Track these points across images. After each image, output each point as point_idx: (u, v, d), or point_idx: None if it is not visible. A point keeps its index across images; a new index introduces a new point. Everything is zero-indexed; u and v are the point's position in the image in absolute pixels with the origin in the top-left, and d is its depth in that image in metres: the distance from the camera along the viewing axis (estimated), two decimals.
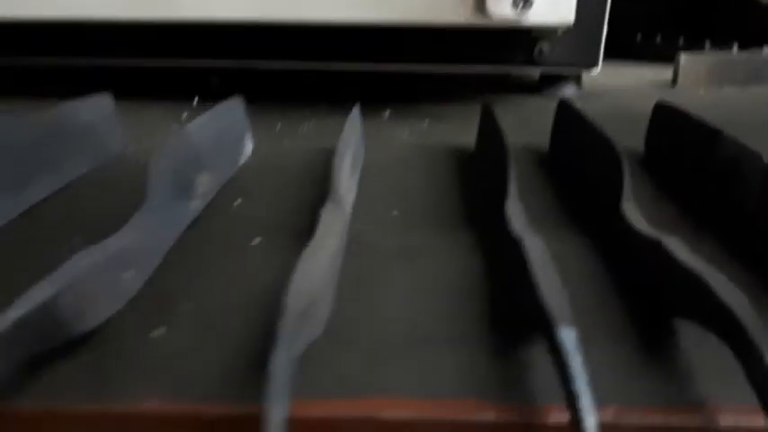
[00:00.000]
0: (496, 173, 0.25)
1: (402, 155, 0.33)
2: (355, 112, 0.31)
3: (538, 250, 0.18)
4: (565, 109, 0.32)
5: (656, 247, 0.18)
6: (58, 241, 0.22)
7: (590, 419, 0.13)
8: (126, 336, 0.17)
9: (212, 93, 0.41)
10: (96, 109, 0.32)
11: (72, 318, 0.16)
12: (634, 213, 0.21)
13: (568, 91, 0.49)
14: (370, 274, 0.20)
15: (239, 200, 0.26)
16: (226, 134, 0.31)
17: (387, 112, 0.43)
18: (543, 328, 0.15)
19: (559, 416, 0.14)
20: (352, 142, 0.28)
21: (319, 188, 0.26)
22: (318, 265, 0.17)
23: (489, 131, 0.30)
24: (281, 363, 0.13)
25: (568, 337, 0.14)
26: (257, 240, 0.23)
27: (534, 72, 0.50)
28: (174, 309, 0.18)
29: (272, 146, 0.35)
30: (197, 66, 0.50)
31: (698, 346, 0.16)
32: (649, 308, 0.18)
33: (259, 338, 0.17)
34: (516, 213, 0.21)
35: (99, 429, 0.15)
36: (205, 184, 0.26)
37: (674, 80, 0.55)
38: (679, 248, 0.18)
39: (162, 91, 0.48)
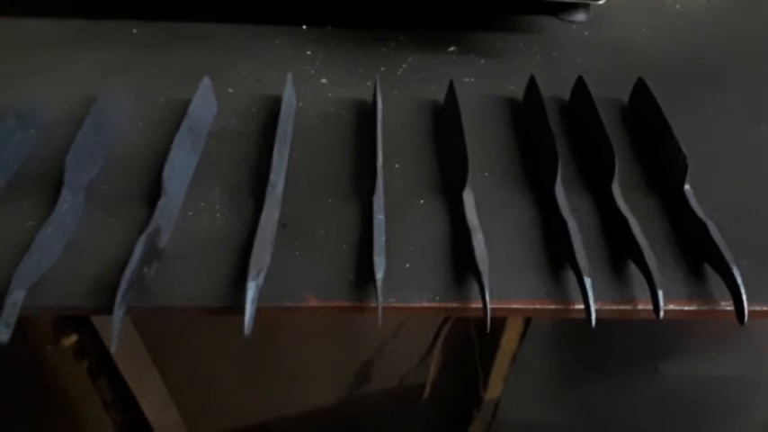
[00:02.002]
0: (546, 149, 0.45)
1: (476, 107, 0.51)
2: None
3: (575, 229, 0.39)
4: (580, 88, 0.50)
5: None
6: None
7: (593, 312, 0.35)
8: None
9: None
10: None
11: None
12: (620, 195, 0.42)
13: (579, 16, 0.65)
14: (485, 221, 0.41)
15: (397, 164, 0.46)
16: None
17: (452, 48, 0.59)
18: (578, 275, 0.37)
19: (580, 305, 0.37)
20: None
21: (443, 146, 0.46)
22: (478, 241, 0.38)
23: (535, 107, 0.49)
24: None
25: (587, 282, 0.36)
26: (422, 202, 0.43)
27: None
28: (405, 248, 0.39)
29: (388, 97, 0.51)
30: None
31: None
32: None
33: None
34: (562, 197, 0.41)
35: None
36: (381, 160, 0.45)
37: None
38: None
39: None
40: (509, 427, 1.03)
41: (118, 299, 0.32)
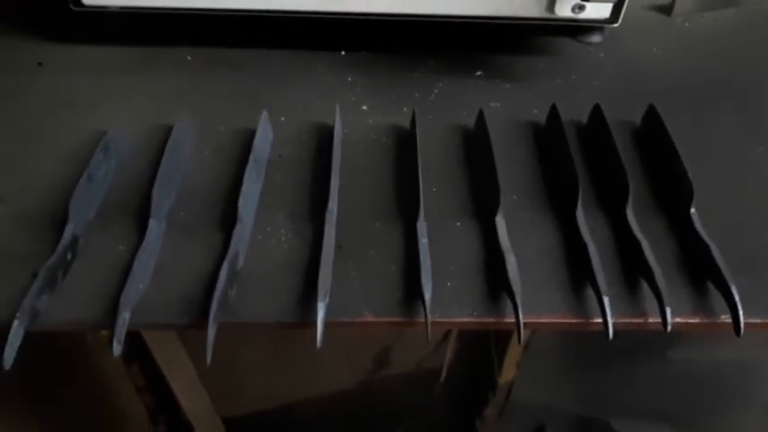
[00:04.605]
0: (568, 176, 0.50)
1: (503, 132, 0.56)
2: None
3: (595, 252, 0.45)
4: (597, 115, 0.56)
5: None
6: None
7: (611, 327, 0.42)
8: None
9: None
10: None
11: None
12: (633, 219, 0.48)
13: (595, 37, 0.70)
14: (514, 241, 0.46)
15: (434, 188, 0.51)
16: None
17: (479, 72, 0.64)
18: (597, 294, 0.43)
19: (598, 320, 0.43)
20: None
21: (475, 171, 0.52)
22: (511, 263, 0.44)
23: (557, 134, 0.54)
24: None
25: (606, 300, 0.42)
26: (458, 224, 0.49)
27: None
28: (446, 268, 0.45)
29: (423, 123, 0.57)
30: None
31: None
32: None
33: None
34: (582, 221, 0.47)
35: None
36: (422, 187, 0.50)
37: (671, 10, 0.76)
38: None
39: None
40: (522, 409, 1.10)
41: (210, 319, 0.39)
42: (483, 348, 1.08)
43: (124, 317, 0.39)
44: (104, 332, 0.73)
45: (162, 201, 0.46)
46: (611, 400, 1.06)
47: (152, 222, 0.44)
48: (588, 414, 1.10)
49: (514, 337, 0.92)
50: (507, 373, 1.04)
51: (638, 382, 0.99)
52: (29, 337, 0.40)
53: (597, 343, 0.89)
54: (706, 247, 0.45)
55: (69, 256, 0.43)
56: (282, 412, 1.18)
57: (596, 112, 0.56)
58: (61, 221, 0.45)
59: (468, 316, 0.43)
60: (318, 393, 1.17)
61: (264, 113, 0.53)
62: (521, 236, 0.47)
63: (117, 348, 0.38)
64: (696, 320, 0.44)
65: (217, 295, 0.39)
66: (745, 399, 1.00)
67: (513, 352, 1.01)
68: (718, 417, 1.05)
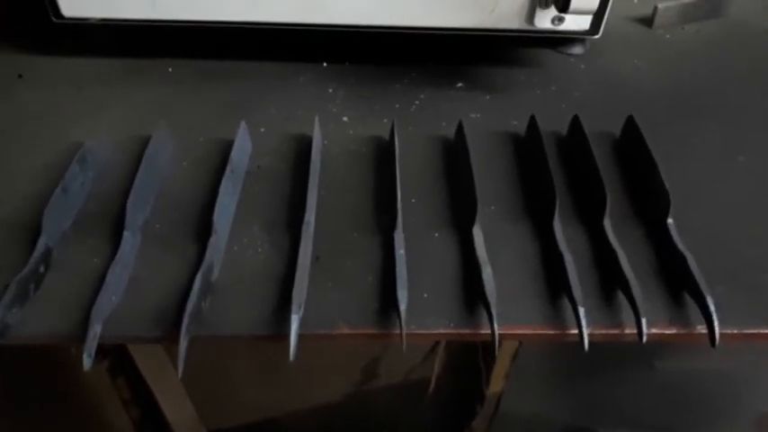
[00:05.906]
0: (546, 187, 0.51)
1: (482, 143, 0.56)
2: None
3: (571, 263, 0.45)
4: (576, 127, 0.56)
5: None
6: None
7: (586, 338, 0.41)
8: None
9: None
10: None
11: None
12: (610, 230, 0.48)
13: (576, 49, 0.70)
14: (491, 252, 0.46)
15: (413, 200, 0.51)
16: None
17: (460, 84, 0.64)
18: (573, 305, 0.43)
19: (574, 331, 0.43)
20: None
21: (454, 182, 0.52)
22: (487, 274, 0.44)
23: (535, 146, 0.54)
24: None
25: (581, 311, 0.42)
26: (436, 235, 0.49)
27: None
28: (423, 279, 0.45)
29: (403, 134, 0.57)
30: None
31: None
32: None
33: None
34: (559, 232, 0.47)
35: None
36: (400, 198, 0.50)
37: (652, 22, 0.76)
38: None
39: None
40: (511, 420, 1.10)
41: (182, 331, 0.38)
42: (471, 360, 1.08)
43: (96, 330, 0.39)
44: None
45: (136, 213, 0.46)
46: (600, 411, 1.06)
47: (126, 234, 0.44)
48: (577, 425, 1.10)
49: (503, 348, 0.92)
50: (496, 384, 1.04)
51: (628, 392, 0.99)
52: (10, 350, 0.39)
53: (586, 353, 0.89)
54: (682, 258, 0.45)
55: (42, 269, 0.42)
56: (269, 425, 1.17)
57: (575, 123, 0.56)
58: (35, 233, 0.44)
59: (444, 327, 0.43)
60: (306, 406, 1.16)
61: (243, 124, 0.52)
62: (498, 247, 0.47)
63: (87, 362, 0.38)
64: (672, 331, 0.43)
65: (189, 308, 0.39)
66: (734, 410, 1.00)
67: (502, 363, 1.01)
68: (707, 428, 1.04)
